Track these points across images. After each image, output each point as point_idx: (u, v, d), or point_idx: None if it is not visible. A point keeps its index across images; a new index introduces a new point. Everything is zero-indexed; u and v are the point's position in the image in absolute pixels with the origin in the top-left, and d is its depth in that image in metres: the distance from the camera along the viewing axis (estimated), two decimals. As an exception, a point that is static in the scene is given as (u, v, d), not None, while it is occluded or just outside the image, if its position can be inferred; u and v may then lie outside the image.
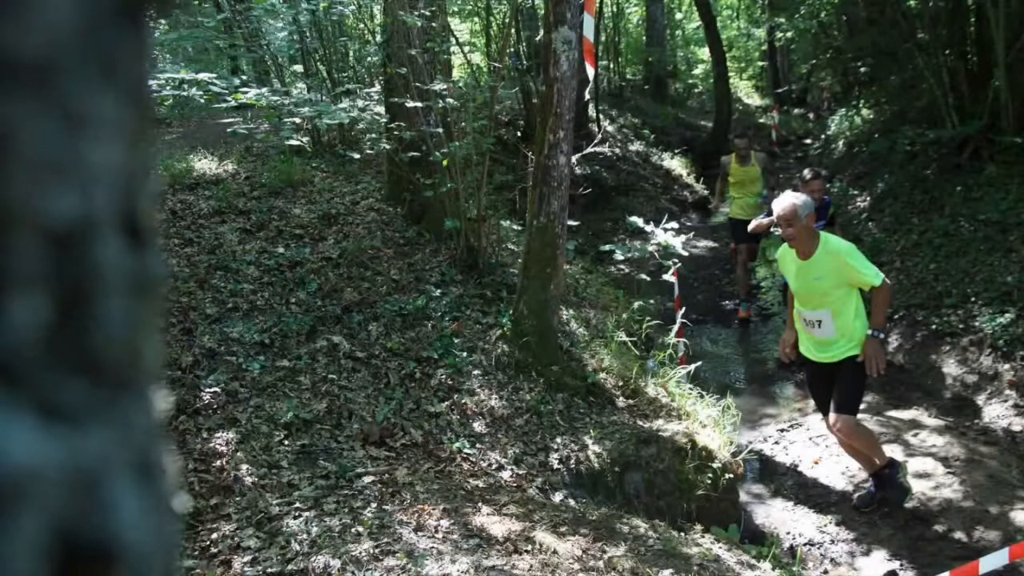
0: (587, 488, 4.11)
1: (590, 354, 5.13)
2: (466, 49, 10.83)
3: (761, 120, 18.67)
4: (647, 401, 4.88)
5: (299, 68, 7.97)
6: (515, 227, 7.11)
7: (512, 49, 11.03)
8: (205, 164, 6.90)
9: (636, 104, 16.41)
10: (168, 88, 4.87)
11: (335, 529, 3.16)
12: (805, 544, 4.32)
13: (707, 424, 4.70)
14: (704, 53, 20.42)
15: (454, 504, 3.48)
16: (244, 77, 8.02)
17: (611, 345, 5.37)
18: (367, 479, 3.65)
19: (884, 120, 11.23)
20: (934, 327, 6.15)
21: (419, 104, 5.39)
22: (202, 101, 4.90)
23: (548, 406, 4.53)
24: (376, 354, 4.60)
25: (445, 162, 5.38)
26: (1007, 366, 5.45)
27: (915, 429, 5.11)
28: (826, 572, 4.12)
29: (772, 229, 6.30)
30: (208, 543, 3.10)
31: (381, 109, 6.30)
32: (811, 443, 5.24)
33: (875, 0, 9.87)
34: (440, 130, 5.68)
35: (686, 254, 5.92)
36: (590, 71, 4.96)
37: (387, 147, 5.85)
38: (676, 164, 13.51)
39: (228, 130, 5.63)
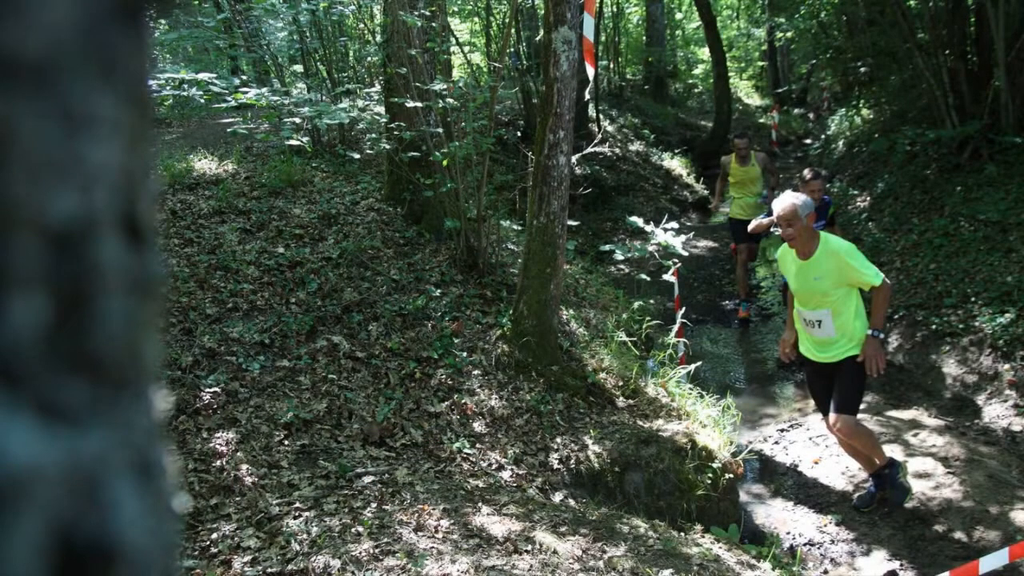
0: (587, 488, 4.11)
1: (590, 354, 5.13)
2: (466, 49, 10.82)
3: (761, 120, 18.68)
4: (647, 401, 4.88)
5: (299, 68, 7.98)
6: (515, 227, 7.11)
7: (512, 49, 11.03)
8: (205, 164, 6.90)
9: (636, 104, 16.40)
10: (168, 88, 4.87)
11: (335, 529, 3.16)
12: (805, 544, 4.32)
13: (707, 424, 4.70)
14: (704, 53, 20.43)
15: (454, 504, 3.48)
16: (244, 77, 8.02)
17: (611, 345, 5.37)
18: (367, 479, 3.65)
19: (884, 120, 11.24)
20: (934, 327, 6.15)
21: (419, 104, 5.39)
22: (202, 101, 4.90)
23: (548, 406, 4.53)
24: (376, 354, 4.60)
25: (445, 162, 5.38)
26: (1007, 366, 5.45)
27: (915, 429, 5.11)
28: (826, 572, 4.12)
29: (772, 229, 6.30)
30: (208, 543, 3.10)
31: (381, 109, 6.30)
32: (811, 443, 5.24)
33: (875, 0, 9.86)
34: (440, 130, 5.68)
35: (686, 254, 5.92)
36: (590, 71, 4.96)
37: (387, 147, 5.85)
38: (676, 164, 13.51)
39: (228, 130, 5.63)
